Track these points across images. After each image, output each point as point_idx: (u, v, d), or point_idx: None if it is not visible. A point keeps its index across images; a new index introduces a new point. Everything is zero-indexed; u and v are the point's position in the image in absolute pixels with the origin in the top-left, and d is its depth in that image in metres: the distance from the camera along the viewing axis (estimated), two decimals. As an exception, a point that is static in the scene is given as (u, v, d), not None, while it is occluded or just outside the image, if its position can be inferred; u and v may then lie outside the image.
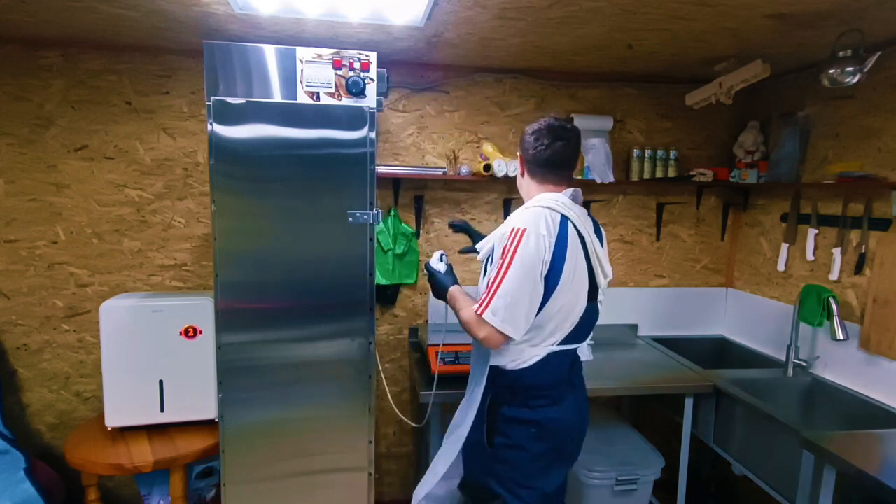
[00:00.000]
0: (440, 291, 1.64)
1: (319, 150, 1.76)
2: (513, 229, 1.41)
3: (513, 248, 1.38)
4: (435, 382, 1.99)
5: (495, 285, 1.38)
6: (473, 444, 1.62)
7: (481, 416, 1.59)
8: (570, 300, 1.46)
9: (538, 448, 1.52)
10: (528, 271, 1.38)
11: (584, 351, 1.58)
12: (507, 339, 1.41)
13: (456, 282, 1.63)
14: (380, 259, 2.44)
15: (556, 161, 1.53)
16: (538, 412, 1.51)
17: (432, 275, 1.67)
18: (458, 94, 2.50)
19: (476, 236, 1.78)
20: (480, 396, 1.58)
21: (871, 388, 2.01)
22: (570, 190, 1.55)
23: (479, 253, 1.60)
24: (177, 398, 2.05)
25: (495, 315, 1.38)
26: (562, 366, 1.52)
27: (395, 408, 2.40)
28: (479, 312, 1.40)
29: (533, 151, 1.54)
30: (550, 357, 1.49)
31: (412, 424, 2.41)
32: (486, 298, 1.40)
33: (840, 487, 1.58)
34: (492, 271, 1.43)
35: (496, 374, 1.55)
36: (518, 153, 1.61)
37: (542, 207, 1.46)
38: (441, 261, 1.72)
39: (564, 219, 1.46)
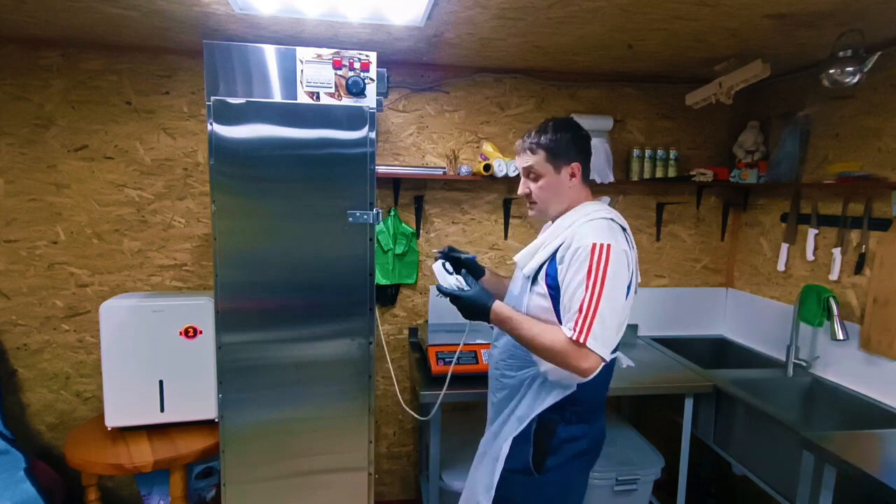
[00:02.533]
0: (478, 311, 1.43)
1: (319, 150, 1.76)
2: (595, 245, 1.29)
3: (602, 266, 1.28)
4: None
5: (592, 308, 1.26)
6: (512, 472, 1.48)
7: (526, 441, 1.46)
8: (629, 311, 1.43)
9: (592, 465, 1.51)
10: (620, 290, 1.30)
11: (623, 358, 1.58)
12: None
13: (491, 295, 1.45)
14: (380, 259, 2.44)
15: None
16: (596, 427, 1.49)
17: (458, 297, 1.44)
18: (458, 94, 2.50)
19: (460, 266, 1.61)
20: (526, 420, 1.46)
21: (871, 388, 2.01)
22: (607, 198, 1.52)
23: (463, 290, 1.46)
24: (177, 398, 2.05)
25: (596, 340, 1.26)
26: (611, 373, 1.51)
27: (401, 405, 2.39)
28: (578, 339, 1.26)
29: (587, 155, 1.47)
30: (608, 365, 1.43)
31: (418, 417, 2.41)
32: (583, 323, 1.26)
33: (840, 487, 1.58)
34: (576, 291, 1.29)
35: (549, 392, 1.44)
36: (568, 159, 1.43)
37: (608, 220, 1.38)
38: (451, 273, 1.51)
39: (624, 230, 1.41)
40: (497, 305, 1.42)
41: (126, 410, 2.02)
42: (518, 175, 2.25)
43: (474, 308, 1.43)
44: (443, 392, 1.91)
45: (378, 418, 2.62)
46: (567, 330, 1.28)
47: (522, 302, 1.45)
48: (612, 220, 1.38)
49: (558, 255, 1.36)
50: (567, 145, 1.42)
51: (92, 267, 2.33)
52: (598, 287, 1.27)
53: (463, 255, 1.60)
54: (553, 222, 1.51)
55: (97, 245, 2.32)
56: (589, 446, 1.48)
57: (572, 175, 1.44)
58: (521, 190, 1.50)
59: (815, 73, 1.85)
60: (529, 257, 1.44)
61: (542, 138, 1.43)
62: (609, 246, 1.29)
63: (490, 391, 1.63)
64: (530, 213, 1.52)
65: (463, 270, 1.55)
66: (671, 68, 2.41)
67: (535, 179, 1.45)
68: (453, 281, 1.48)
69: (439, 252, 1.60)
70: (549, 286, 1.38)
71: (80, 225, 2.29)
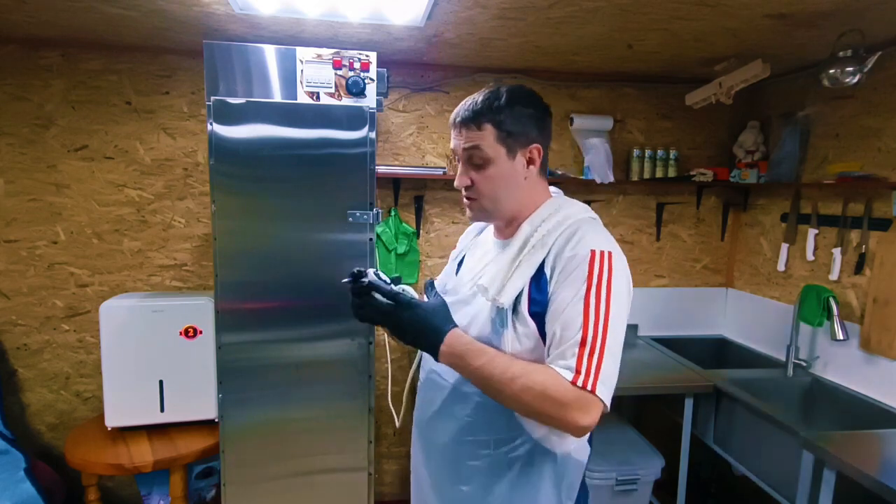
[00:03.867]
0: (425, 332, 1.00)
1: (319, 150, 1.76)
2: (594, 253, 0.95)
3: (605, 280, 0.94)
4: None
5: (599, 339, 0.91)
6: None
7: None
8: None
9: None
10: (625, 314, 0.97)
11: None
12: None
13: (452, 318, 1.04)
14: (383, 259, 2.44)
15: None
16: (582, 495, 1.12)
17: (404, 306, 1.01)
18: (458, 94, 2.49)
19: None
20: None
21: (871, 388, 2.01)
22: (559, 190, 1.16)
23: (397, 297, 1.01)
24: (177, 398, 2.05)
25: (605, 386, 0.90)
26: None
27: (390, 409, 2.39)
28: (585, 385, 0.89)
29: (549, 137, 1.09)
30: None
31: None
32: (588, 360, 0.90)
33: (840, 487, 1.58)
34: (572, 314, 0.93)
35: (566, 468, 1.06)
36: (526, 139, 1.04)
37: (594, 220, 1.06)
38: (381, 279, 1.04)
39: None
40: (456, 333, 1.00)
41: (126, 410, 2.02)
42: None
43: (423, 328, 1.00)
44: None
45: (378, 418, 2.62)
46: (565, 371, 0.90)
47: (500, 348, 1.00)
48: (596, 220, 1.07)
49: (547, 272, 0.98)
50: (527, 121, 1.03)
51: (92, 267, 2.32)
52: (602, 310, 0.92)
53: (388, 278, 1.07)
54: (500, 229, 1.13)
55: (97, 245, 2.31)
56: None
57: (530, 161, 1.05)
58: (458, 181, 1.07)
59: (815, 73, 1.85)
60: (501, 280, 1.00)
61: (494, 108, 1.02)
62: (611, 254, 0.96)
63: (434, 481, 1.14)
64: (468, 213, 1.11)
65: (402, 287, 1.08)
66: (671, 68, 2.41)
67: (481, 166, 1.04)
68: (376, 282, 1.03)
69: (355, 270, 1.04)
70: (536, 317, 0.98)
71: (80, 225, 2.29)
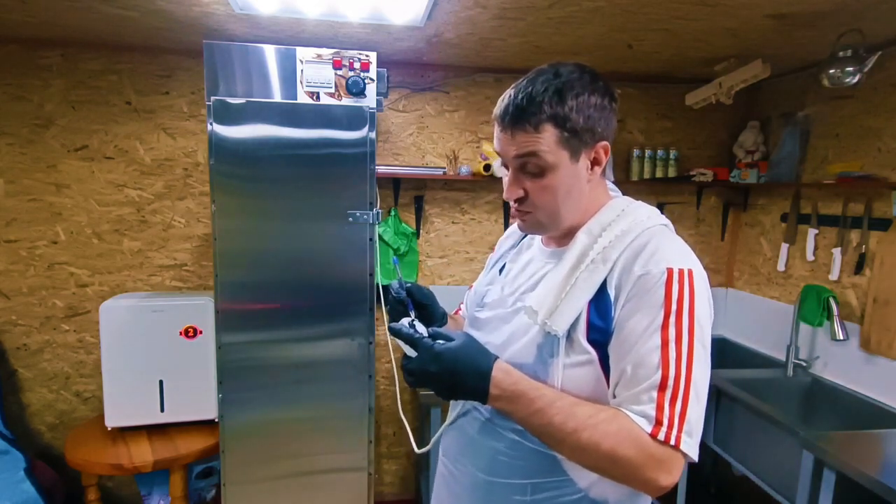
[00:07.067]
0: (466, 378, 0.81)
1: (319, 150, 1.76)
2: (672, 272, 0.80)
3: (687, 307, 0.78)
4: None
5: (683, 380, 0.75)
6: None
7: None
8: None
9: None
10: (708, 344, 0.80)
11: None
12: None
13: (488, 350, 0.85)
14: (383, 259, 2.44)
15: None
16: None
17: (435, 353, 0.81)
18: (458, 94, 2.50)
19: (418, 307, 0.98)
20: None
21: (871, 388, 2.01)
22: (612, 184, 0.99)
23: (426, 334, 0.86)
24: (177, 398, 2.05)
25: (691, 437, 0.75)
26: None
27: (399, 412, 2.39)
28: (668, 440, 0.73)
29: (614, 125, 0.89)
30: None
31: (416, 450, 2.39)
32: (671, 407, 0.74)
33: (840, 487, 1.58)
34: (647, 348, 0.77)
35: None
36: (593, 137, 0.84)
37: (665, 227, 0.91)
38: (417, 329, 0.87)
39: None
40: (501, 368, 0.82)
41: (126, 410, 2.03)
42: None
43: (457, 373, 0.80)
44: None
45: (378, 418, 2.62)
46: (644, 421, 0.75)
47: (546, 381, 0.83)
48: (668, 227, 0.92)
49: (611, 293, 0.82)
50: (594, 114, 0.83)
51: (92, 267, 2.32)
52: (685, 343, 0.76)
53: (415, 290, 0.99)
54: (548, 240, 0.97)
55: (97, 245, 2.32)
56: None
57: (595, 162, 0.87)
58: (508, 193, 0.88)
59: (815, 73, 1.85)
60: (553, 301, 0.83)
61: (555, 102, 0.81)
62: (691, 273, 0.81)
63: None
64: (520, 224, 0.93)
65: (412, 314, 0.93)
66: (671, 68, 2.41)
67: (538, 174, 0.84)
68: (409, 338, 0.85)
69: (398, 285, 0.97)
70: (597, 346, 0.82)
71: (80, 225, 2.29)
